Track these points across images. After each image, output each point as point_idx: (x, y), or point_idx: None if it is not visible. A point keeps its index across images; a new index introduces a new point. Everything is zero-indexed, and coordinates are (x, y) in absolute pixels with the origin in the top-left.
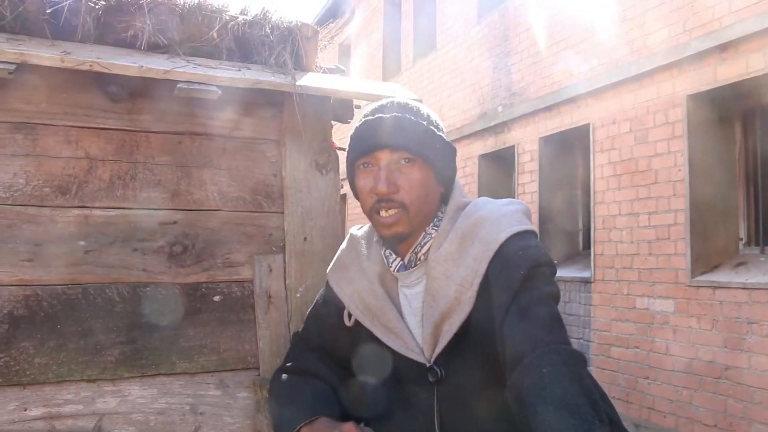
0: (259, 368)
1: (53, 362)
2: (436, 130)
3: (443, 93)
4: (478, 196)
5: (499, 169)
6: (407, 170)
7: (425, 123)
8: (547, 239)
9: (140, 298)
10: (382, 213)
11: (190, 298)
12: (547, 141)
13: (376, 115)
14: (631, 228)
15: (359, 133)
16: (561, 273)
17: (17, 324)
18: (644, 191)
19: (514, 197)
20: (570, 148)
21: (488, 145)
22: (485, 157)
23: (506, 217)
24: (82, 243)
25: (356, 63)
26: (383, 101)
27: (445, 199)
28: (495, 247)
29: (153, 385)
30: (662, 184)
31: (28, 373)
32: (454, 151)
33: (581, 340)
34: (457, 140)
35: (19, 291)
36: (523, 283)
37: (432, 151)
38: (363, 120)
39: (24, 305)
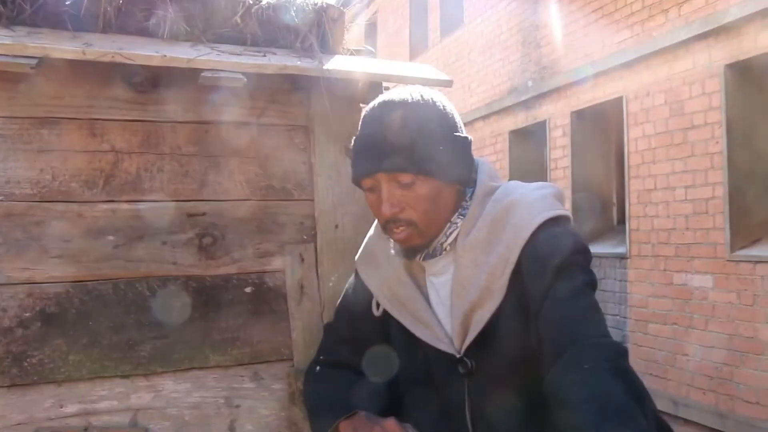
0: (293, 359)
1: (87, 359)
2: (439, 128)
3: (472, 69)
4: (509, 173)
5: (530, 145)
6: (410, 188)
7: (426, 124)
8: (580, 215)
9: (171, 292)
10: (394, 230)
11: (222, 290)
12: (579, 115)
13: (372, 129)
14: (668, 202)
15: (358, 152)
16: (595, 249)
17: (50, 322)
18: (680, 164)
19: (546, 173)
20: (603, 122)
21: (519, 120)
22: (515, 133)
23: (539, 201)
24: (111, 238)
25: (383, 41)
26: (382, 100)
27: (468, 185)
28: (527, 233)
29: (187, 379)
30: (699, 157)
31: (62, 370)
32: (465, 143)
33: (617, 317)
34: (487, 116)
35: (50, 288)
36: (558, 273)
37: (435, 159)
38: (361, 135)
39: (55, 302)
